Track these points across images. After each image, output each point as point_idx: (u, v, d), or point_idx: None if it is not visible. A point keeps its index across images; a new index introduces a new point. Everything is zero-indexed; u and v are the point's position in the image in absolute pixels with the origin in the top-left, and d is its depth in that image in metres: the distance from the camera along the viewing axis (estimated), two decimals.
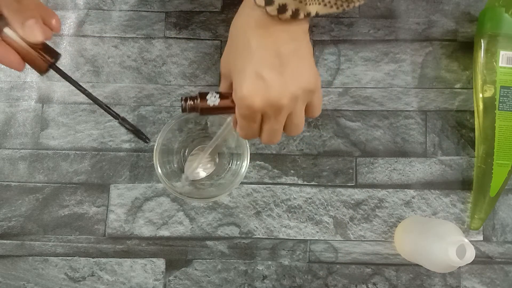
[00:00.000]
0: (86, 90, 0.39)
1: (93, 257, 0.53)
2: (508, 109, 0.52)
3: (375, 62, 0.57)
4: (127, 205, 0.54)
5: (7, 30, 0.31)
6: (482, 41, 0.53)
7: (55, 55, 0.35)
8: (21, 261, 0.53)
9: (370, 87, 0.56)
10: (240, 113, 0.36)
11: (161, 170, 0.49)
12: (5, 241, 0.53)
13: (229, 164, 0.54)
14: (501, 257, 0.53)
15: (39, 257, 0.53)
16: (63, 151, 0.55)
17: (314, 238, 0.54)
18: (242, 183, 0.53)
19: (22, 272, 0.53)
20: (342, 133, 0.55)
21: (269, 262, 0.53)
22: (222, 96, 0.38)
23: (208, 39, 0.57)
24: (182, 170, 0.53)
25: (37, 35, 0.32)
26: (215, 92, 0.38)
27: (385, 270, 0.53)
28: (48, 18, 0.35)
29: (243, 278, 0.53)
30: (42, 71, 0.35)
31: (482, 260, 0.53)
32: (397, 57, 0.57)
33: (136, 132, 0.47)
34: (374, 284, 0.53)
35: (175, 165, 0.53)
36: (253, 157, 0.55)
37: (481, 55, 0.53)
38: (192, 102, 0.38)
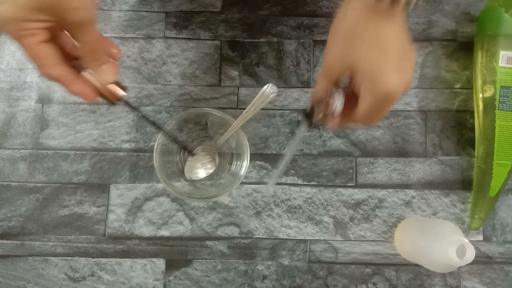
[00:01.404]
0: (155, 122, 0.45)
1: (93, 257, 0.53)
2: (508, 109, 0.52)
3: None
4: (127, 205, 0.54)
5: (85, 73, 0.37)
6: (482, 41, 0.53)
7: (124, 89, 0.39)
8: (21, 261, 0.53)
9: None
10: (375, 107, 0.36)
11: (161, 170, 0.49)
12: (5, 241, 0.53)
13: (229, 164, 0.54)
14: (501, 257, 0.53)
15: (39, 257, 0.53)
16: (63, 151, 0.55)
17: (314, 238, 0.54)
18: (242, 183, 0.53)
19: (22, 272, 0.53)
20: (342, 133, 0.55)
21: (269, 262, 0.53)
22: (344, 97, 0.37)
23: (208, 39, 0.57)
24: (182, 170, 0.53)
25: (110, 77, 0.38)
26: (336, 92, 0.37)
27: (385, 270, 0.53)
28: (110, 50, 0.39)
29: (243, 278, 0.53)
30: (113, 103, 0.39)
31: (482, 260, 0.53)
32: None
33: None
34: (374, 284, 0.53)
35: (175, 165, 0.53)
36: (253, 157, 0.55)
37: (481, 55, 0.53)
38: (322, 114, 0.38)
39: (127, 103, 0.40)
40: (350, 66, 0.36)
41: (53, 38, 0.36)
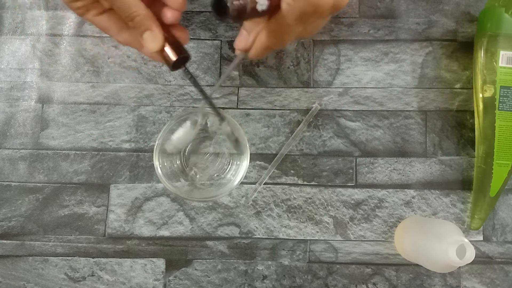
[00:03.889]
0: (203, 89, 0.42)
1: (93, 257, 0.53)
2: (508, 109, 0.52)
3: (375, 62, 0.57)
4: (127, 205, 0.54)
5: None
6: (482, 41, 0.53)
7: (181, 54, 0.38)
8: (21, 261, 0.53)
9: (370, 87, 0.56)
10: (300, 16, 0.33)
11: (161, 170, 0.49)
12: (5, 241, 0.53)
13: (229, 164, 0.54)
14: (501, 257, 0.53)
15: (39, 257, 0.53)
16: (63, 151, 0.55)
17: (314, 238, 0.54)
18: (242, 183, 0.53)
19: (22, 272, 0.53)
20: (342, 133, 0.55)
21: (269, 262, 0.53)
22: None
23: (208, 39, 0.57)
24: (182, 170, 0.53)
25: (152, 45, 0.36)
26: None
27: (385, 270, 0.53)
28: (158, 14, 0.38)
29: (243, 278, 0.53)
30: (172, 67, 0.38)
31: (482, 260, 0.53)
32: (397, 57, 0.57)
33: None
34: (374, 284, 0.53)
35: (175, 165, 0.53)
36: (253, 157, 0.55)
37: (481, 55, 0.53)
38: (241, 2, 0.33)
39: (186, 72, 0.39)
40: None
41: (109, 9, 0.38)
